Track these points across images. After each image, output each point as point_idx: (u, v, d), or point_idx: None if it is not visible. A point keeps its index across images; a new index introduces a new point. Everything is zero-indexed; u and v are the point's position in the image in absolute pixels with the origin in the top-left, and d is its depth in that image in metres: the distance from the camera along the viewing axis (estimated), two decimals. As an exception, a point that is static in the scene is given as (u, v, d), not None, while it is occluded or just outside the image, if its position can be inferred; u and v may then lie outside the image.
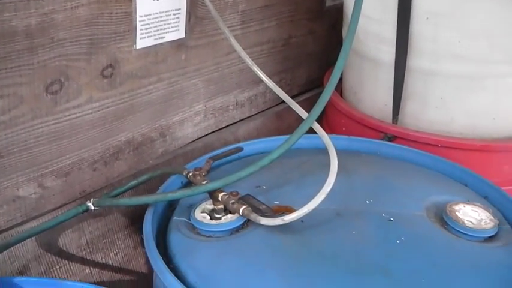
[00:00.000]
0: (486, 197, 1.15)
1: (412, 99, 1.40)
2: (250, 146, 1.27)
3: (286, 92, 1.26)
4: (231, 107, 1.55)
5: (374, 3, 1.37)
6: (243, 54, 1.23)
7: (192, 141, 1.46)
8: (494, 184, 1.17)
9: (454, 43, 1.32)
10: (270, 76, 1.26)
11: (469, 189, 1.17)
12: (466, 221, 1.01)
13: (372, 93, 1.49)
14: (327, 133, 1.08)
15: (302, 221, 0.96)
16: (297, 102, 1.21)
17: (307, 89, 1.85)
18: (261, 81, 1.25)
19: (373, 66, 1.46)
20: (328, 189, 0.92)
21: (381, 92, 1.44)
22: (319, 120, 1.07)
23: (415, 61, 1.37)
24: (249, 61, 1.22)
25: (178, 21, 1.27)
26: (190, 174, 1.07)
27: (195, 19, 1.32)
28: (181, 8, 1.27)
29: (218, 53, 1.43)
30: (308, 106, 1.14)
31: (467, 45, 1.32)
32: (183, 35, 1.30)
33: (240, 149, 1.23)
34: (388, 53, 1.39)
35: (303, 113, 1.14)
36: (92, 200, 1.08)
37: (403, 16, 1.33)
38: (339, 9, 1.65)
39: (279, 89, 1.22)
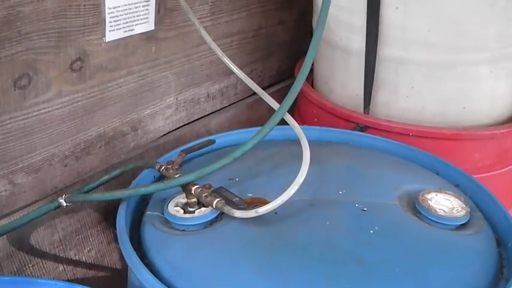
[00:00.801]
0: (457, 185, 1.16)
1: (383, 89, 1.41)
2: (222, 138, 1.27)
3: (258, 84, 1.26)
4: (202, 99, 1.54)
5: None
6: (213, 46, 1.22)
7: (164, 135, 1.45)
8: (466, 172, 1.19)
9: (423, 31, 1.33)
10: (240, 67, 1.26)
11: (440, 178, 1.18)
12: (438, 210, 1.02)
13: (343, 83, 1.49)
14: (298, 124, 1.08)
15: (276, 213, 0.96)
16: (268, 94, 1.21)
17: (278, 80, 1.85)
18: (232, 73, 1.25)
19: (344, 55, 1.46)
20: (301, 180, 0.92)
21: (352, 81, 1.45)
22: (291, 111, 1.07)
23: (386, 50, 1.37)
24: (219, 52, 1.22)
25: (148, 13, 1.26)
26: (163, 168, 1.07)
27: (165, 11, 1.31)
28: (150, -1, 1.26)
29: (188, 45, 1.43)
30: (279, 97, 1.14)
31: (437, 34, 1.33)
32: (152, 27, 1.29)
33: (212, 142, 1.22)
34: (358, 42, 1.39)
35: (274, 104, 1.14)
36: (64, 196, 1.07)
37: (373, 5, 1.34)
38: (309, -1, 1.65)
39: (250, 80, 1.22)
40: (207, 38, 1.23)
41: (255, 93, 1.24)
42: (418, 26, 1.33)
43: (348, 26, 1.42)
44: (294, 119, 1.09)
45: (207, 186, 0.99)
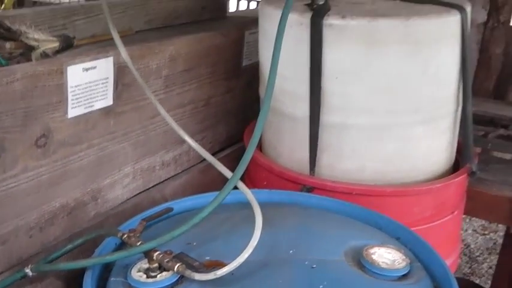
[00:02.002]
0: (398, 238, 1.25)
1: (327, 152, 1.50)
2: (179, 204, 1.34)
3: (209, 150, 1.33)
4: (157, 167, 1.61)
5: (288, 63, 1.46)
6: (169, 120, 1.30)
7: (122, 202, 1.51)
8: (405, 226, 1.28)
9: (361, 98, 1.44)
10: (192, 135, 1.34)
11: (382, 232, 1.27)
12: (381, 263, 1.10)
13: (290, 148, 1.58)
14: (249, 187, 1.16)
15: (232, 274, 1.02)
16: (218, 158, 1.28)
17: (228, 145, 1.93)
18: (185, 140, 1.32)
19: (290, 122, 1.56)
20: (255, 243, 0.99)
21: (298, 146, 1.53)
22: (242, 174, 1.15)
23: (328, 116, 1.47)
24: (174, 126, 1.29)
25: (107, 90, 1.34)
26: (125, 236, 1.13)
27: (122, 86, 1.39)
28: (108, 76, 1.34)
29: (144, 117, 1.50)
30: (229, 162, 1.21)
31: (374, 100, 1.44)
32: (111, 102, 1.37)
33: (170, 209, 1.29)
34: (303, 110, 1.49)
35: (227, 173, 1.22)
36: (29, 266, 1.11)
37: (315, 75, 1.44)
38: (255, 67, 1.75)
39: (204, 150, 1.29)
40: (163, 111, 1.30)
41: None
42: (356, 93, 1.44)
43: (292, 95, 1.51)
44: (245, 181, 1.16)
45: (168, 252, 1.05)
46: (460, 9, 1.47)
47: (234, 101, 1.91)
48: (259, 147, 1.73)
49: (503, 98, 3.03)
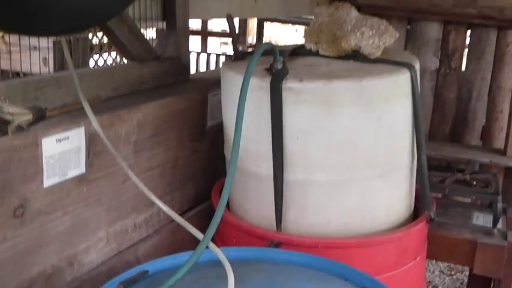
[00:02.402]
0: (364, 288, 1.31)
1: (292, 208, 1.57)
2: (153, 266, 1.37)
3: (178, 209, 1.39)
4: (130, 230, 1.66)
5: (251, 125, 1.53)
6: (140, 185, 1.35)
7: (97, 266, 1.55)
8: (370, 275, 1.33)
9: (322, 156, 1.52)
10: (162, 196, 1.39)
11: (349, 283, 1.32)
12: (348, 313, 1.16)
13: (256, 205, 1.65)
14: (219, 245, 1.21)
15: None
16: (188, 217, 1.34)
17: (196, 203, 1.96)
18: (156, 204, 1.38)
19: (255, 181, 1.63)
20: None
21: (264, 203, 1.60)
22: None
23: (291, 174, 1.54)
24: (145, 190, 1.35)
25: (79, 158, 1.41)
26: (104, 299, 1.18)
27: (94, 154, 1.45)
28: (81, 146, 1.40)
29: (115, 182, 1.56)
30: (199, 220, 1.25)
31: (334, 157, 1.52)
32: (83, 170, 1.43)
33: (146, 272, 1.33)
34: (266, 169, 1.56)
35: (198, 234, 1.27)
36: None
37: (277, 136, 1.51)
38: (219, 127, 1.82)
39: (174, 213, 1.34)
40: (134, 178, 1.36)
41: (176, 219, 1.36)
42: (317, 152, 1.52)
43: (256, 154, 1.59)
44: (214, 239, 1.22)
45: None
46: (409, 67, 1.57)
47: (200, 161, 1.97)
48: (227, 205, 1.77)
49: (460, 140, 3.15)
